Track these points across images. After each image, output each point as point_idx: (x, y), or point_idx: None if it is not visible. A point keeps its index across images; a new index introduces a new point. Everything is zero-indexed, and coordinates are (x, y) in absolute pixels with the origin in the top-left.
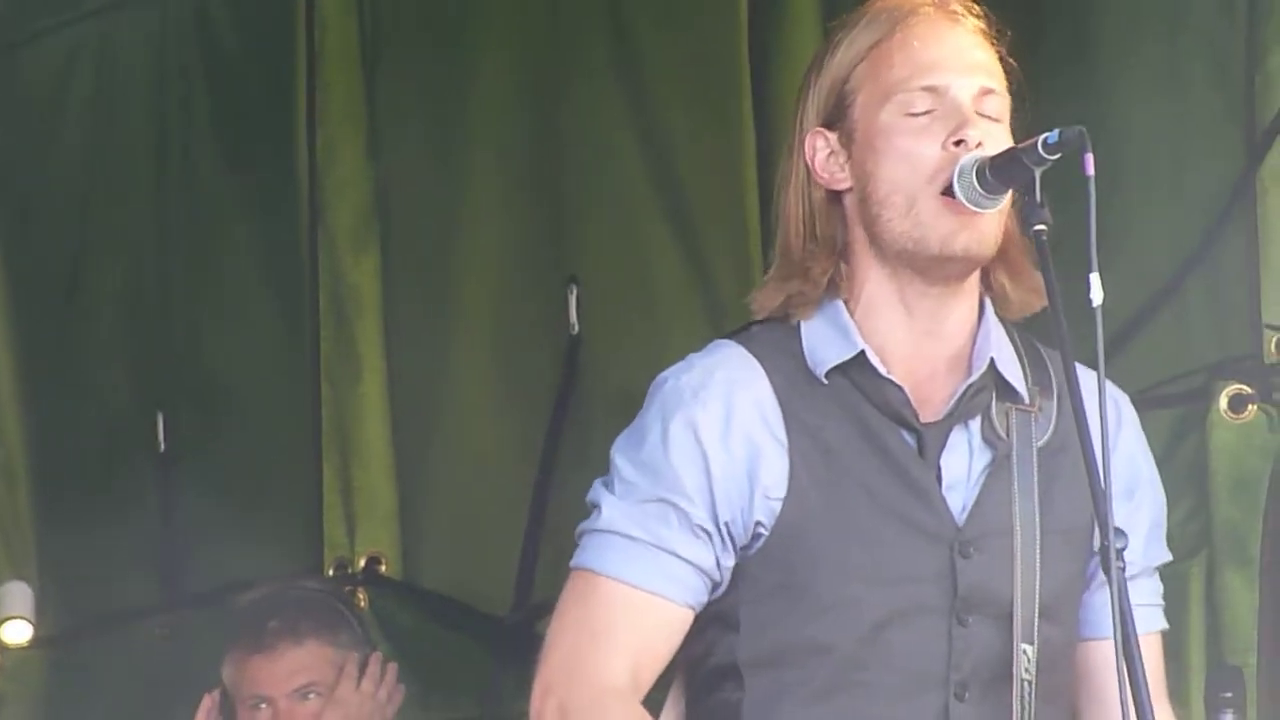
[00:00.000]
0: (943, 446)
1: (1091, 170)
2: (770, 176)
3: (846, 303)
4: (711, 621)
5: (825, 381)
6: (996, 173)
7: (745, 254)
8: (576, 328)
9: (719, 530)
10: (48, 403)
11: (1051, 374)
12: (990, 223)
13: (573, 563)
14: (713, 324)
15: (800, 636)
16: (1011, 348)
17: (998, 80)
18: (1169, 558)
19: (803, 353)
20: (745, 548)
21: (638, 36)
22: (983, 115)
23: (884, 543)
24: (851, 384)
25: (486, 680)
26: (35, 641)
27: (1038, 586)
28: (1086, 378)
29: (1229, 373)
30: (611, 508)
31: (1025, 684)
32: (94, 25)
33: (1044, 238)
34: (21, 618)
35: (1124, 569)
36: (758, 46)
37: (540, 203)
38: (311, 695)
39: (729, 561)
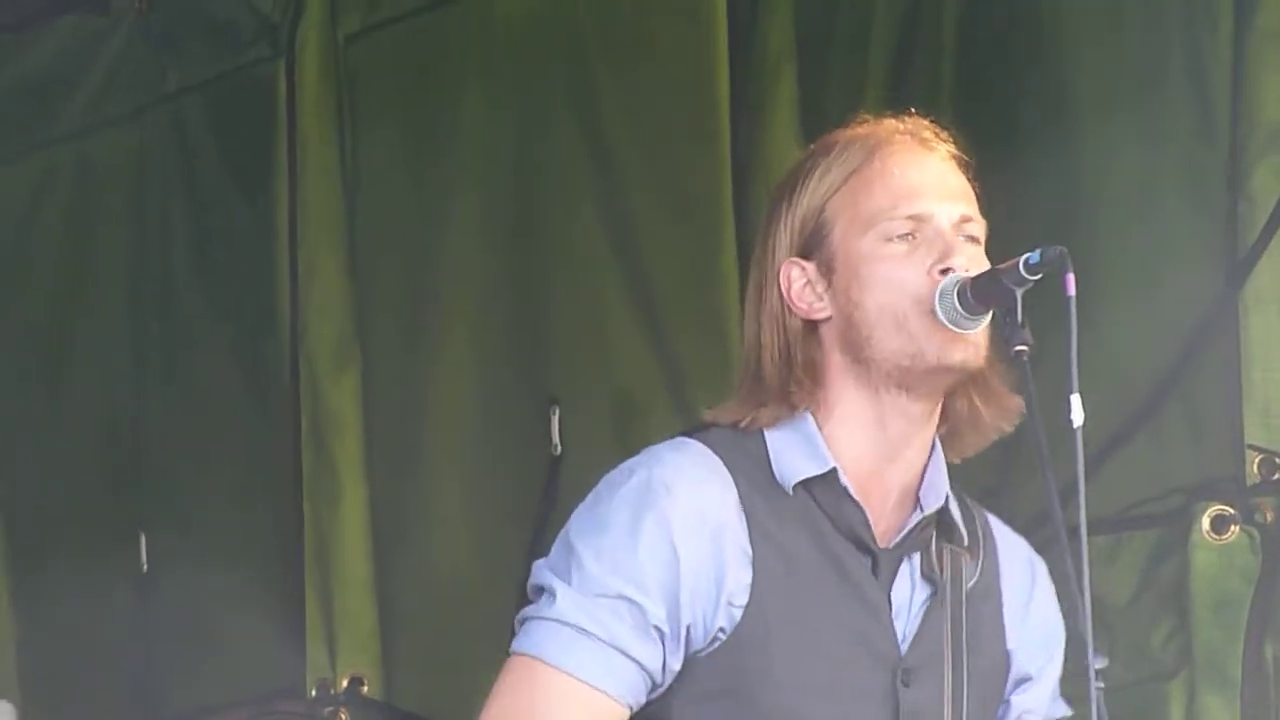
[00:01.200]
0: (895, 574)
1: (1073, 290)
2: None
3: (815, 415)
4: None
5: (791, 493)
6: (977, 293)
7: (727, 371)
8: (559, 448)
9: (675, 633)
10: (28, 522)
11: (978, 523)
12: (981, 335)
13: (513, 647)
14: None
15: None
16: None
17: (974, 206)
18: (1069, 713)
19: (768, 461)
20: (698, 650)
21: (617, 154)
22: (965, 238)
23: (836, 660)
24: (814, 499)
25: None
26: None
27: (965, 718)
28: (1012, 541)
29: (1210, 494)
30: (565, 597)
31: None
32: (71, 145)
33: (1025, 359)
34: None
35: (1103, 688)
36: (739, 160)
37: (520, 324)
38: None
39: (676, 665)
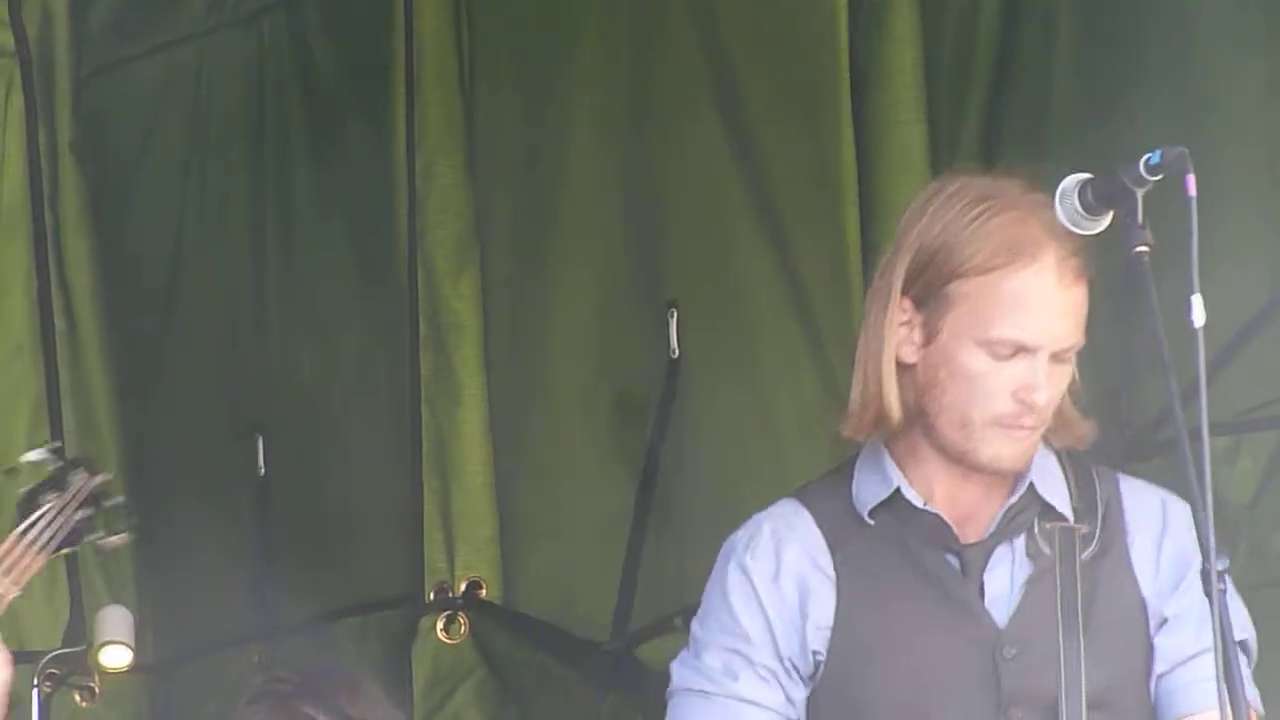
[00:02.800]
0: (985, 564)
1: (1193, 191)
2: (870, 197)
3: (890, 443)
4: None
5: (871, 521)
6: (1098, 193)
7: (844, 277)
8: (676, 352)
9: (784, 667)
10: (146, 427)
11: (1098, 491)
12: (1032, 441)
13: None
14: (810, 345)
15: None
16: (1059, 470)
17: (1081, 332)
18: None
19: (851, 496)
20: (811, 676)
21: (735, 58)
22: (1056, 361)
23: (927, 655)
24: (895, 519)
25: (585, 705)
26: (133, 666)
27: (1083, 679)
28: (1143, 496)
29: None
30: (683, 667)
31: None
32: (190, 48)
33: (1145, 259)
34: (121, 642)
35: (1225, 591)
36: (857, 65)
37: (639, 227)
38: None
39: (799, 694)
